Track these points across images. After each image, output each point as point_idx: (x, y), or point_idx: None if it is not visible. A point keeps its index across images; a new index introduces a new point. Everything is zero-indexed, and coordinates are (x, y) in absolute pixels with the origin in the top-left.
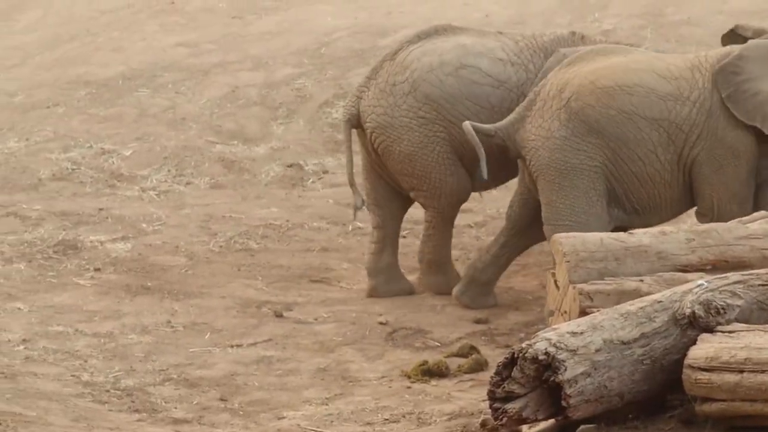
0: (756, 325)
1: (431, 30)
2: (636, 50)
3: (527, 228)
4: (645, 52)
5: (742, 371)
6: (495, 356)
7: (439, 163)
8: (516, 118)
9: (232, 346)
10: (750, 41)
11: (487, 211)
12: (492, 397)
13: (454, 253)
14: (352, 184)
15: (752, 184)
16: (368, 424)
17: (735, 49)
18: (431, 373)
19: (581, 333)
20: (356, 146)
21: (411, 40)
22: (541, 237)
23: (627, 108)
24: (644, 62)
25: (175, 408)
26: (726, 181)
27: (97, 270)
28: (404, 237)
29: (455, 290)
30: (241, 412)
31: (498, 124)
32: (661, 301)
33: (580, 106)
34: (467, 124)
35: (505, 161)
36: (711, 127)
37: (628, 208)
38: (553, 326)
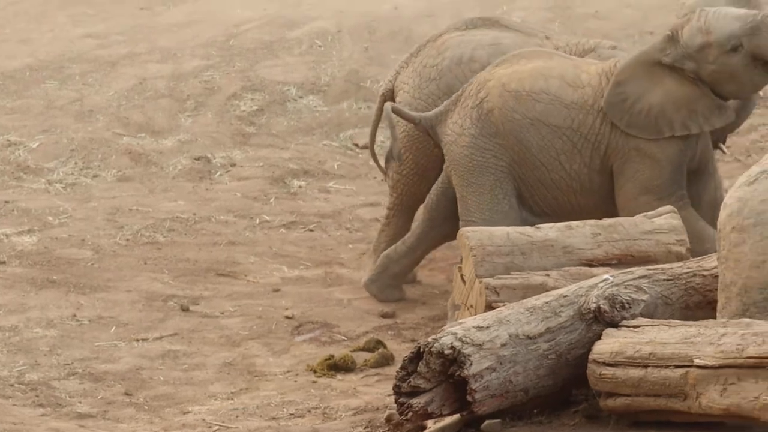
0: (660, 320)
1: (479, 21)
2: (559, 55)
3: (444, 220)
4: (566, 58)
5: (646, 366)
6: (401, 351)
7: (435, 155)
8: (441, 111)
9: (137, 340)
10: (620, 63)
11: None
12: (397, 391)
13: (361, 246)
14: (371, 149)
15: (678, 180)
16: (273, 418)
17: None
18: (337, 367)
19: (487, 327)
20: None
21: (458, 26)
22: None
23: (530, 114)
24: (558, 68)
25: (80, 402)
26: (644, 183)
27: (2, 263)
28: (311, 230)
29: (365, 278)
30: (146, 407)
31: (424, 114)
32: (566, 296)
33: (490, 107)
34: (389, 105)
35: None
36: (619, 136)
37: (537, 211)
38: (459, 321)
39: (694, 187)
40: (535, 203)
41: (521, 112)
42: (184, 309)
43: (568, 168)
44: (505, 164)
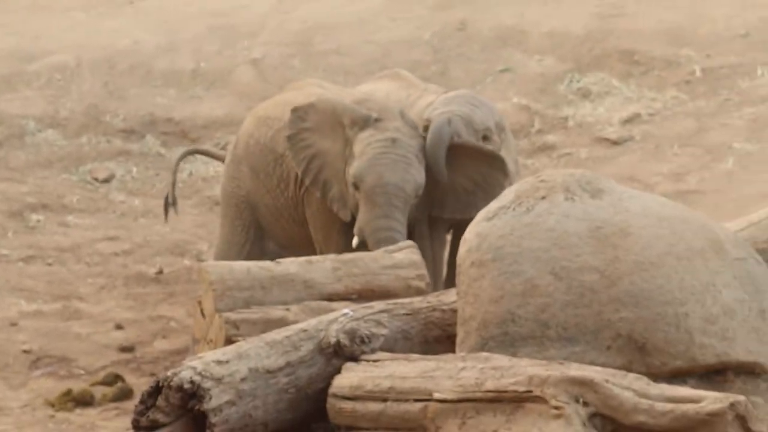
0: (400, 354)
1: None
2: (326, 87)
3: None
4: (329, 90)
5: (386, 400)
6: (141, 385)
7: None
8: None
9: None
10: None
11: (134, 239)
12: (136, 426)
13: (100, 280)
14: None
15: None
16: None
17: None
18: (75, 401)
19: (227, 362)
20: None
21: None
22: None
23: (263, 140)
24: (301, 99)
25: None
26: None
27: None
28: (50, 264)
29: None
30: None
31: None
32: (306, 330)
33: (240, 133)
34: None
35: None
36: None
37: (281, 242)
38: (199, 355)
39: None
40: (274, 235)
41: (256, 137)
42: None
43: (286, 195)
44: (244, 193)
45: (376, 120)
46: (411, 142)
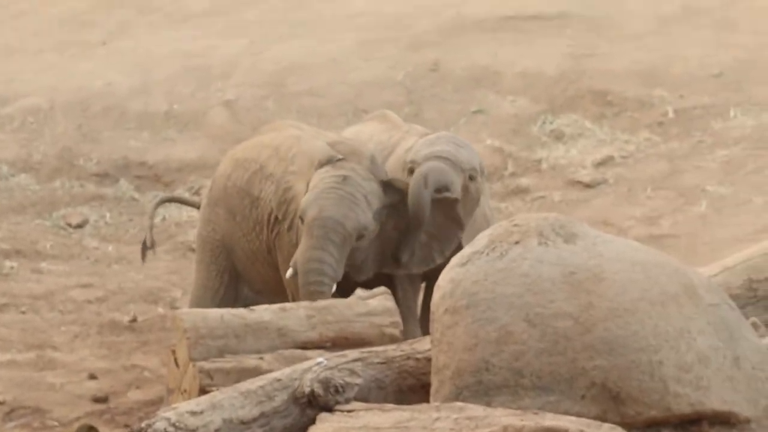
0: (374, 404)
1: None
2: (304, 128)
3: None
4: (306, 131)
5: None
6: None
7: None
8: None
9: None
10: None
11: (108, 286)
12: None
13: (74, 328)
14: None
15: None
16: None
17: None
18: None
19: (201, 412)
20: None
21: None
22: None
23: (239, 183)
24: (279, 141)
25: None
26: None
27: None
28: (23, 312)
29: None
30: None
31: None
32: (280, 380)
33: (217, 175)
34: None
35: None
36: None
37: (252, 288)
38: (173, 405)
39: None
40: (250, 279)
41: (233, 179)
42: None
43: (261, 239)
44: (220, 237)
45: (338, 160)
46: (363, 183)
